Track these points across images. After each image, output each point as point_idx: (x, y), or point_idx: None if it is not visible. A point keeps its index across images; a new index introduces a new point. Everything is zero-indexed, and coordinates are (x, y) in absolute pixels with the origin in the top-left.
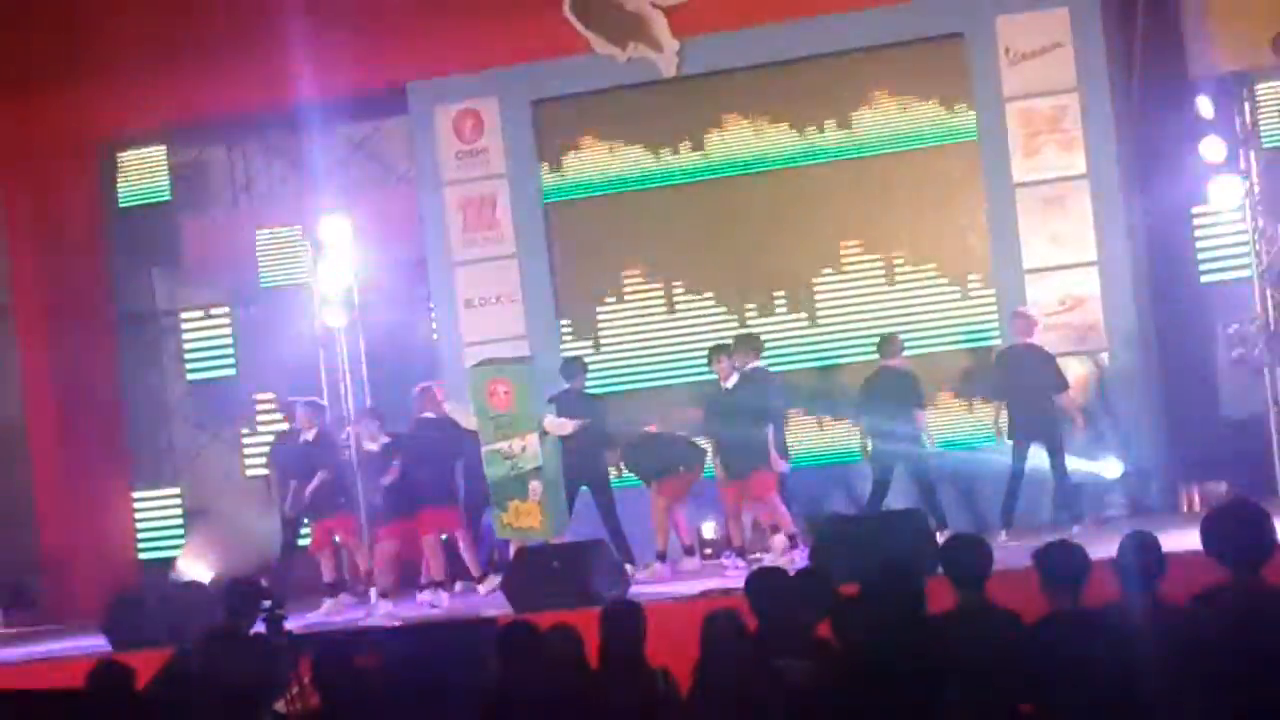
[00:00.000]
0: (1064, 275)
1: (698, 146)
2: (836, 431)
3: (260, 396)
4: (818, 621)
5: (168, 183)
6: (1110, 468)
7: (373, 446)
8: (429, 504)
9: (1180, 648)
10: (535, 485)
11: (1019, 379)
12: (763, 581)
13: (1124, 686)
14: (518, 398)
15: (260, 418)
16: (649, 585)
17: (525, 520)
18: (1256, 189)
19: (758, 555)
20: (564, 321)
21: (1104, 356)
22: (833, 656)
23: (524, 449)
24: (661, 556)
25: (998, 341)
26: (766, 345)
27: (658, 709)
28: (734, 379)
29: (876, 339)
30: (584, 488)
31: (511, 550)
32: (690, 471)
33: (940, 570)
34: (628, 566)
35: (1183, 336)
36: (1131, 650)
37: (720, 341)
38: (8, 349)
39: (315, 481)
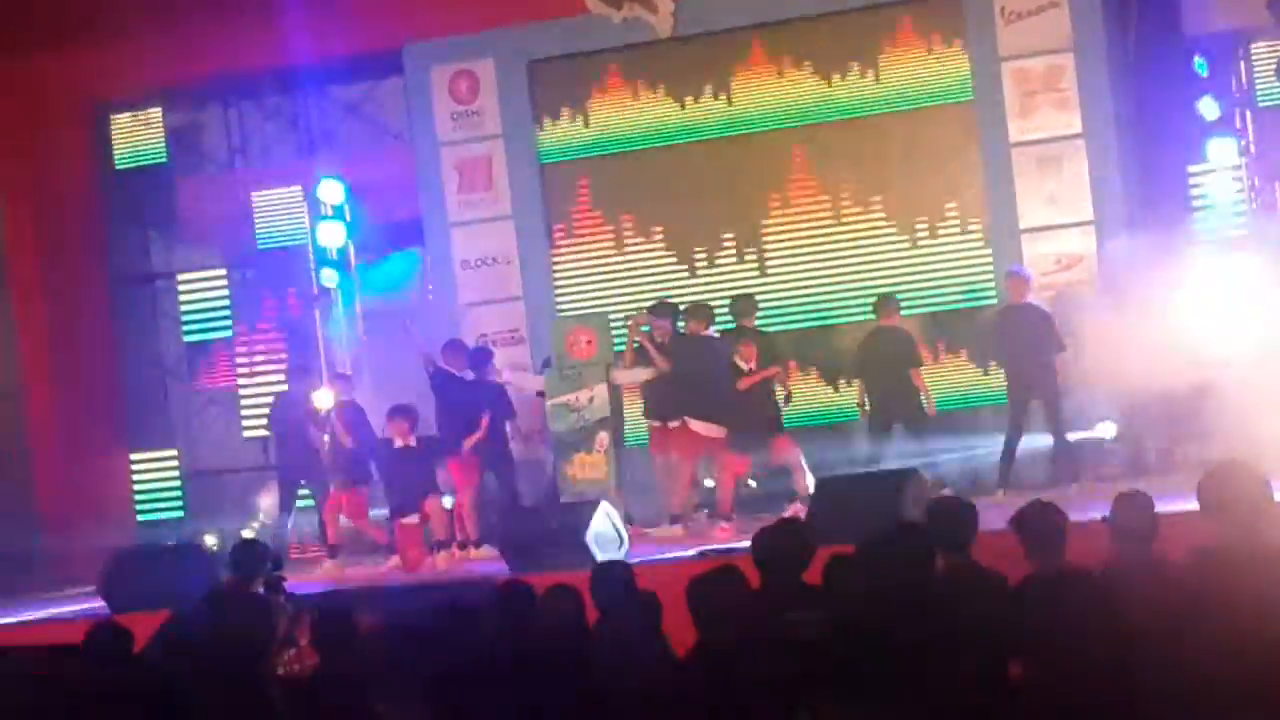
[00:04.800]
0: (1060, 234)
1: (694, 107)
2: (834, 391)
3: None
4: (804, 570)
5: (163, 144)
6: (1106, 428)
7: None
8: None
9: (1174, 607)
10: (602, 436)
11: (1017, 338)
12: (770, 537)
13: (1115, 646)
14: (600, 347)
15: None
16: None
17: (589, 473)
18: (1252, 147)
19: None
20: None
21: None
22: (834, 609)
23: (591, 400)
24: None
25: (994, 301)
26: (761, 304)
27: (650, 668)
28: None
29: (871, 299)
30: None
31: None
32: None
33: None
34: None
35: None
36: (1123, 609)
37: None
38: (4, 312)
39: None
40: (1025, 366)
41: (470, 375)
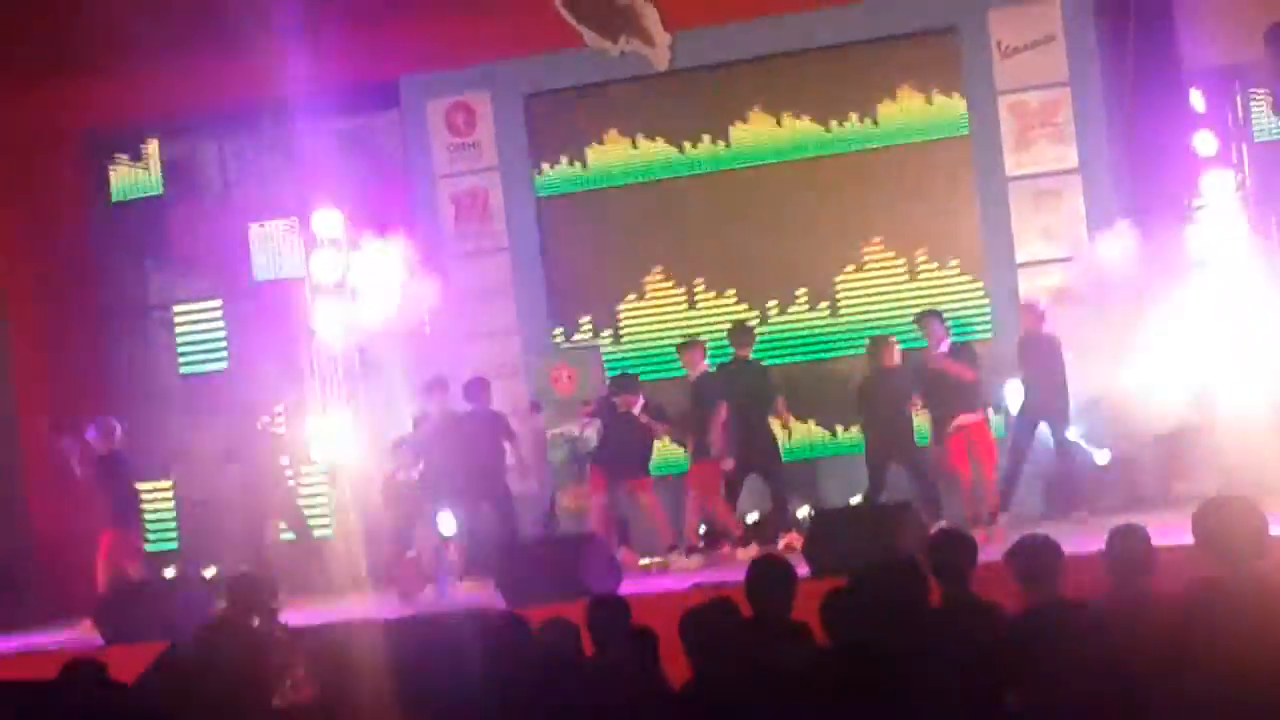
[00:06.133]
0: (1056, 269)
1: (690, 141)
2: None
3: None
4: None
5: (159, 176)
6: (1101, 454)
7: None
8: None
9: (1169, 641)
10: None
11: (1031, 366)
12: (763, 570)
13: (1112, 679)
14: (580, 382)
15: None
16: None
17: (579, 502)
18: (1249, 182)
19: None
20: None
21: None
22: (825, 646)
23: (585, 430)
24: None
25: (989, 335)
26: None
27: (647, 702)
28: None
29: (868, 334)
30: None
31: None
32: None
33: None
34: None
35: None
36: (1119, 643)
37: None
38: (0, 343)
39: None
40: (1037, 393)
41: (467, 407)
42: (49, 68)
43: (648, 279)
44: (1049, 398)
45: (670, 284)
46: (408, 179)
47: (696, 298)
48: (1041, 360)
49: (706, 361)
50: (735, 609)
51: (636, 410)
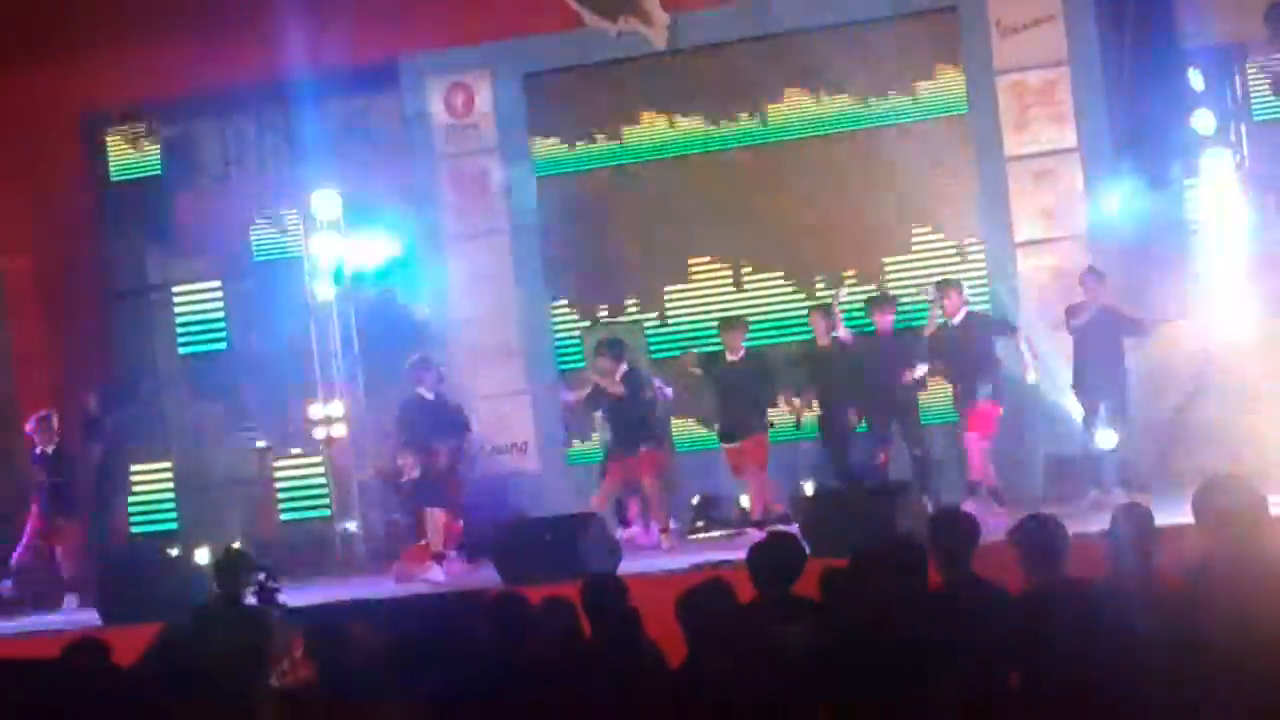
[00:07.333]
0: (1055, 248)
1: (687, 120)
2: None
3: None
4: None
5: (158, 157)
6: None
7: None
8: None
9: (1170, 620)
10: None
11: (1099, 339)
12: (766, 551)
13: (1113, 659)
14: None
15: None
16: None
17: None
18: (1247, 161)
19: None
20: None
21: None
22: (829, 625)
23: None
24: None
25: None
26: (753, 316)
27: (644, 681)
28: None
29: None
30: None
31: None
32: None
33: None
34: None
35: None
36: (1122, 623)
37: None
38: (0, 324)
39: None
40: (1101, 367)
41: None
42: (47, 48)
43: (650, 258)
44: (1113, 376)
45: (667, 259)
46: (407, 160)
47: (717, 279)
48: (1108, 333)
49: (745, 341)
50: (729, 590)
51: (618, 378)
